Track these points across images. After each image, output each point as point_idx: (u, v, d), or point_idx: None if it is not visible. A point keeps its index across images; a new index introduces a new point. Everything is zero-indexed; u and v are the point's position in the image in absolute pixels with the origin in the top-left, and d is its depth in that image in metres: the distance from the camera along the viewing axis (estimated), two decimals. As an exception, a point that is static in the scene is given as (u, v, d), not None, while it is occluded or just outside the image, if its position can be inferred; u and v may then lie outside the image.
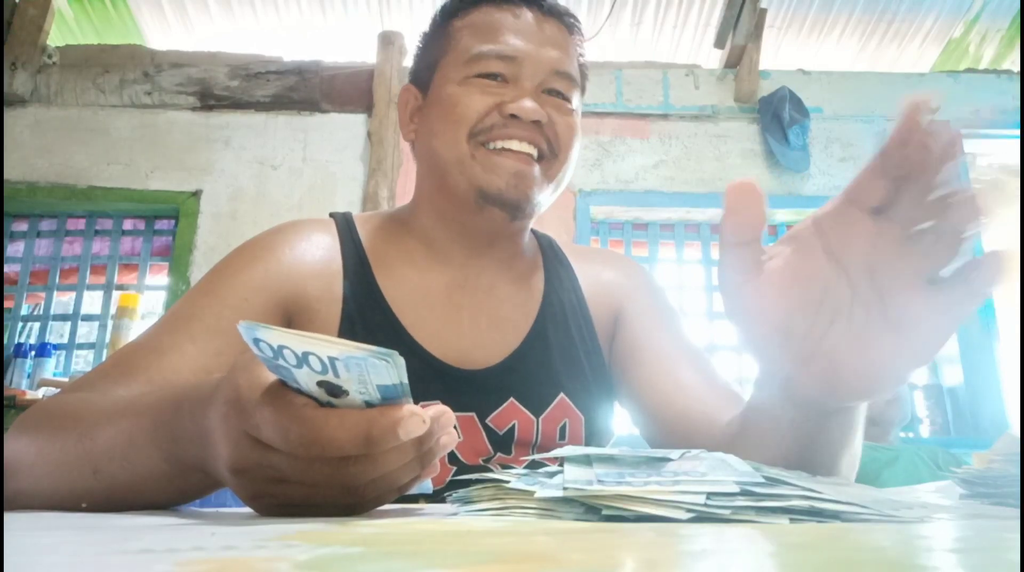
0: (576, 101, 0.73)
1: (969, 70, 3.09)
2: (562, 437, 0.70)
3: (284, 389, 0.33)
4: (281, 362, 0.31)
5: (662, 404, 0.69)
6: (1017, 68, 3.05)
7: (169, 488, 0.42)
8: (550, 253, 0.81)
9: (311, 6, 2.97)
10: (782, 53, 3.14)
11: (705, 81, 2.99)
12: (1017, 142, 2.89)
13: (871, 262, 0.36)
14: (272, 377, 0.34)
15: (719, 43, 2.97)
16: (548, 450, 0.68)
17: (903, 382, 0.37)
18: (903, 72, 3.08)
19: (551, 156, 0.70)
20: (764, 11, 2.89)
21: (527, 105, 0.67)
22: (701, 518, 0.28)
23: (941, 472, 1.96)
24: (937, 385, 2.73)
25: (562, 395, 0.71)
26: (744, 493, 0.30)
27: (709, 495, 0.29)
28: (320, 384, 0.32)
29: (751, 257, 0.38)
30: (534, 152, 0.68)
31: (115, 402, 0.49)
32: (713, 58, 3.09)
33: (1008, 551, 0.22)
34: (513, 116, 0.67)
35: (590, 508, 0.31)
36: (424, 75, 0.75)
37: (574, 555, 0.21)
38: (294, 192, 2.80)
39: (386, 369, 0.31)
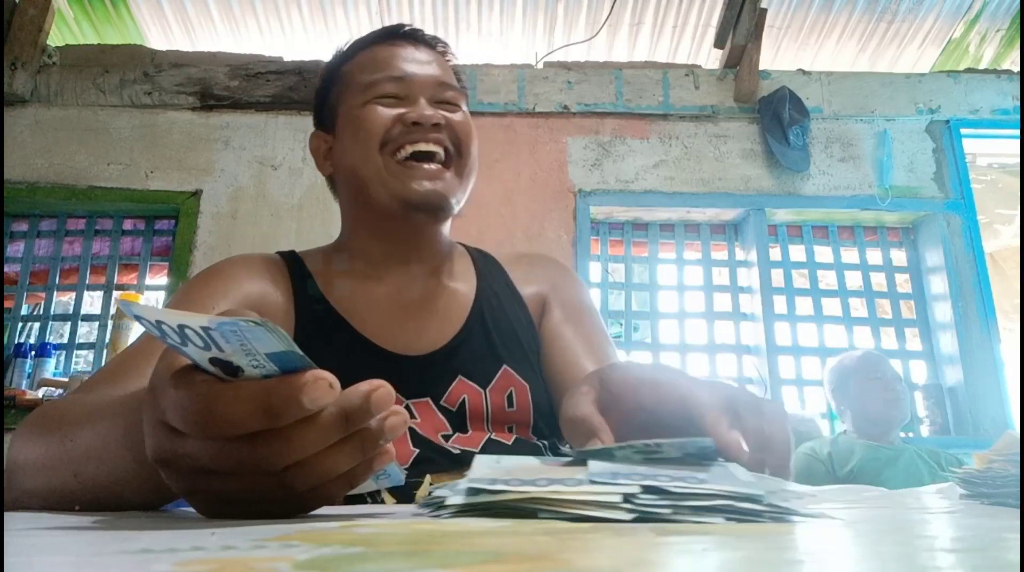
0: (464, 107, 0.82)
1: (969, 70, 3.09)
2: (510, 405, 0.75)
3: (190, 369, 0.31)
4: (170, 341, 0.30)
5: (559, 389, 0.78)
6: (1017, 68, 3.05)
7: (145, 489, 0.41)
8: (480, 259, 0.89)
9: (311, 6, 2.97)
10: (782, 53, 3.14)
11: (705, 81, 2.99)
12: (1017, 142, 2.89)
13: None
14: (184, 361, 0.32)
15: (719, 43, 2.97)
16: (500, 422, 0.75)
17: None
18: (903, 72, 3.08)
19: (456, 155, 0.78)
20: (764, 11, 2.89)
21: (426, 112, 0.76)
22: (643, 518, 0.28)
23: (941, 472, 1.96)
24: (937, 385, 2.73)
25: (505, 367, 0.77)
26: (656, 491, 0.30)
27: (626, 496, 0.29)
28: (212, 362, 0.30)
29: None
30: (440, 152, 0.76)
31: (97, 404, 0.50)
32: (713, 58, 3.09)
33: (1008, 551, 0.22)
34: (415, 123, 0.75)
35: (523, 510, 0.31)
36: (328, 117, 0.84)
37: (574, 555, 0.21)
38: (294, 192, 2.80)
39: (266, 335, 0.29)
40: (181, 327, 0.29)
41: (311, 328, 0.75)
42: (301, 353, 0.31)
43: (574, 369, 0.78)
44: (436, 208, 0.76)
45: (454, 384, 0.75)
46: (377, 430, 0.34)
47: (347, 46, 0.86)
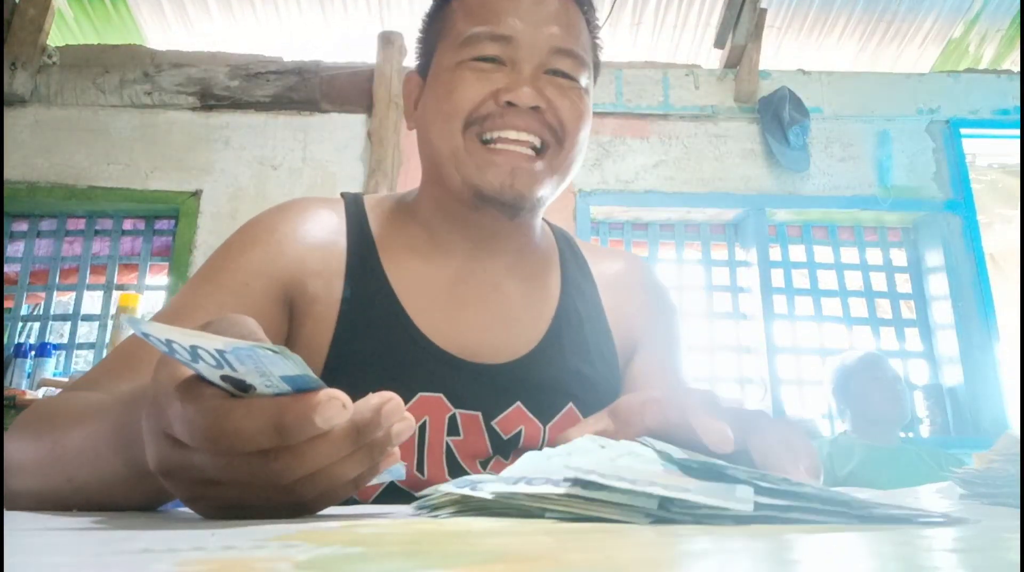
0: (584, 81, 0.68)
1: (969, 70, 3.09)
2: None
3: (197, 382, 0.31)
4: (180, 357, 0.29)
5: None
6: (1017, 68, 3.05)
7: (134, 494, 0.41)
8: (568, 252, 0.78)
9: (311, 6, 2.97)
10: (782, 53, 3.14)
11: (705, 81, 2.99)
12: (1017, 142, 2.89)
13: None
14: (189, 372, 0.31)
15: (719, 43, 2.97)
16: None
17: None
18: (903, 72, 3.07)
19: (555, 144, 0.65)
20: (764, 11, 2.88)
21: (525, 91, 0.62)
22: (660, 520, 0.28)
23: (941, 472, 1.96)
24: (937, 385, 2.73)
25: (571, 405, 0.68)
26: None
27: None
28: (224, 379, 0.30)
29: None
30: (535, 141, 0.65)
31: (88, 404, 0.48)
32: (713, 58, 3.09)
33: (1008, 551, 0.22)
34: (510, 104, 0.63)
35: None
36: (424, 61, 0.72)
37: (574, 555, 0.21)
38: (294, 192, 2.79)
39: (282, 361, 0.29)
40: (193, 347, 0.28)
41: (359, 306, 0.65)
42: (315, 377, 0.31)
43: None
44: (511, 204, 0.65)
45: (510, 409, 0.65)
46: (385, 438, 0.34)
47: None
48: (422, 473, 0.63)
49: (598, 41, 0.73)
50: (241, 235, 0.69)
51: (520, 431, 0.66)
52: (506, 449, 0.65)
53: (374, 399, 0.33)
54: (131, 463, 0.38)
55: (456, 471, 0.63)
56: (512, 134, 0.64)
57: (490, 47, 0.65)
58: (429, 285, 0.69)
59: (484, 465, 0.65)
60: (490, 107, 0.64)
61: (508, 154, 0.64)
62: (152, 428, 0.33)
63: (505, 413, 0.65)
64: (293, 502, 0.33)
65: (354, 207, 0.72)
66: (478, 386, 0.65)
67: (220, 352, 0.28)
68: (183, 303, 0.63)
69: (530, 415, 0.66)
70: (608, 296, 0.76)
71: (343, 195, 0.74)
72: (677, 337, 0.78)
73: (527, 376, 0.67)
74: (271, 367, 0.29)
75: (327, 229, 0.69)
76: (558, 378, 0.68)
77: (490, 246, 0.70)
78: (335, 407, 0.30)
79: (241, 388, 0.31)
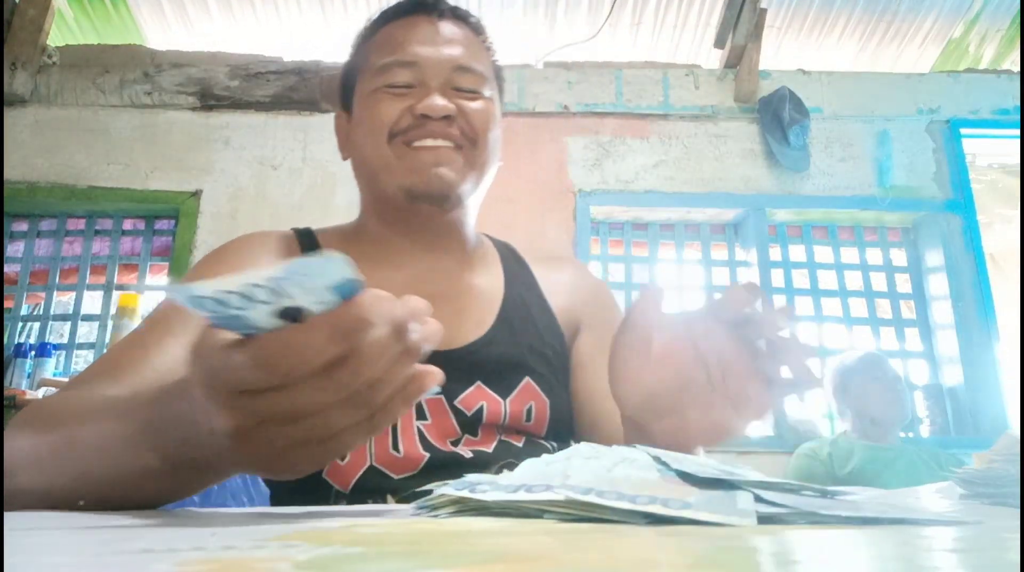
0: (488, 92, 0.78)
1: (969, 70, 3.09)
2: (528, 419, 0.73)
3: (243, 338, 0.33)
4: (232, 310, 0.30)
5: (584, 415, 0.76)
6: (1017, 68, 3.05)
7: (155, 488, 0.42)
8: (507, 255, 0.86)
9: (311, 6, 2.97)
10: (782, 53, 3.14)
11: (705, 81, 2.99)
12: (1017, 142, 2.89)
13: (723, 360, 0.51)
14: (228, 335, 0.33)
15: (719, 43, 2.97)
16: (514, 431, 0.72)
17: (731, 438, 0.51)
18: (903, 72, 3.08)
19: (469, 145, 0.74)
20: (764, 11, 2.88)
21: (435, 103, 0.72)
22: (657, 520, 0.28)
23: (941, 472, 1.96)
24: (937, 385, 2.73)
25: (527, 379, 0.74)
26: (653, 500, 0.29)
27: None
28: (277, 315, 0.31)
29: (645, 341, 0.52)
30: (450, 146, 0.73)
31: (99, 403, 0.49)
32: (713, 58, 3.09)
33: (1008, 551, 0.22)
34: (424, 116, 0.72)
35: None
36: (347, 98, 0.83)
37: (574, 555, 0.21)
38: (294, 192, 2.80)
39: (331, 266, 0.30)
40: (246, 288, 0.29)
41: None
42: (359, 277, 0.32)
43: (603, 402, 0.74)
44: (439, 196, 0.73)
45: (471, 389, 0.71)
46: (421, 338, 0.36)
47: (371, 20, 0.82)
48: (398, 452, 0.68)
49: (495, 58, 0.83)
50: (209, 256, 0.75)
51: (482, 406, 0.71)
52: (472, 425, 0.70)
53: (398, 304, 0.35)
54: (166, 456, 0.40)
55: (428, 449, 0.68)
56: (430, 142, 0.73)
57: (400, 74, 0.75)
58: (383, 286, 0.72)
59: (455, 444, 0.69)
60: (408, 120, 0.73)
61: (431, 150, 0.73)
62: (218, 396, 0.33)
63: (466, 392, 0.71)
64: (367, 417, 0.35)
65: (304, 232, 0.81)
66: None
67: (275, 279, 0.29)
68: (162, 311, 0.66)
69: (490, 391, 0.72)
70: (548, 286, 0.84)
71: (293, 230, 0.82)
72: (617, 319, 0.84)
73: (484, 356, 0.73)
74: (320, 278, 0.30)
75: (282, 249, 0.78)
76: (512, 355, 0.74)
77: (432, 245, 0.78)
78: (384, 304, 0.33)
79: (292, 317, 0.32)
